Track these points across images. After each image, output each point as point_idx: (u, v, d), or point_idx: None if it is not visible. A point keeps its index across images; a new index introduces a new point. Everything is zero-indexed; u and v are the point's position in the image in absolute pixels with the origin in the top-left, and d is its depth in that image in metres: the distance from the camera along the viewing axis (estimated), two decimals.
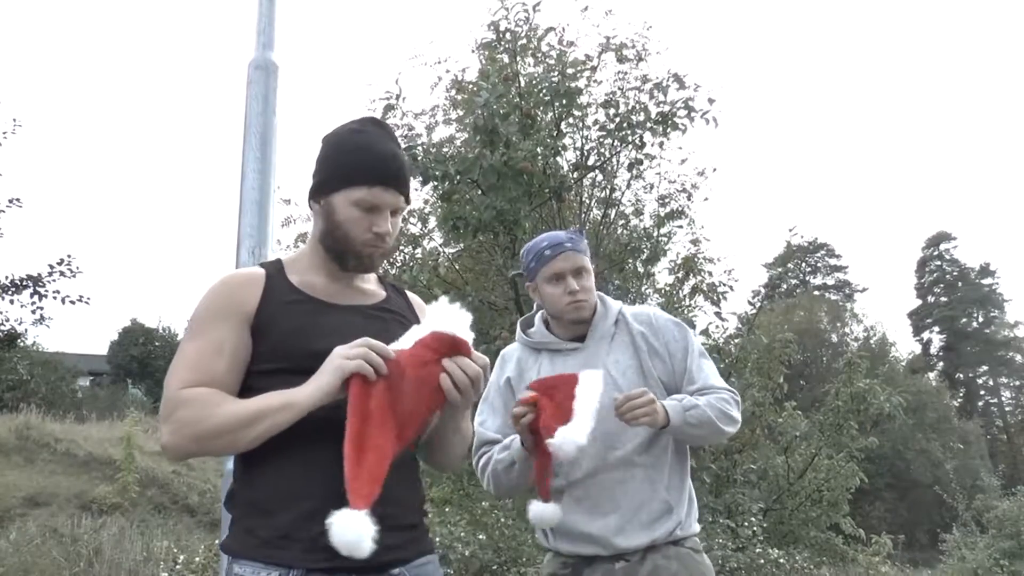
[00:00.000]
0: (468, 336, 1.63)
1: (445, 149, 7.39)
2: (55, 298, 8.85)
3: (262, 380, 1.66)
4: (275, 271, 1.79)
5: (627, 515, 2.24)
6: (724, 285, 8.78)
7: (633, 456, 2.27)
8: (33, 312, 8.89)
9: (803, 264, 46.02)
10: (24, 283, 8.76)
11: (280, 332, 1.68)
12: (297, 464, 1.60)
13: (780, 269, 26.05)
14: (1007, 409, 43.49)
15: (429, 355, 1.59)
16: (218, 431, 1.58)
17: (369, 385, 1.55)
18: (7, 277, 8.78)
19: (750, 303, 10.82)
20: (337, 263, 1.78)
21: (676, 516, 2.29)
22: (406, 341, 1.63)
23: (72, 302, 8.92)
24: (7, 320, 9.08)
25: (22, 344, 9.84)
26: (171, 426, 1.60)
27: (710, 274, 9.21)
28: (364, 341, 1.58)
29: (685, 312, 8.67)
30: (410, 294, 2.00)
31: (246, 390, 1.67)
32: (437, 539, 5.97)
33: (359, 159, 1.74)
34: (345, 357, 1.55)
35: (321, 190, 1.78)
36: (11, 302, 8.85)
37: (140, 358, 29.72)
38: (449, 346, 1.59)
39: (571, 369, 2.32)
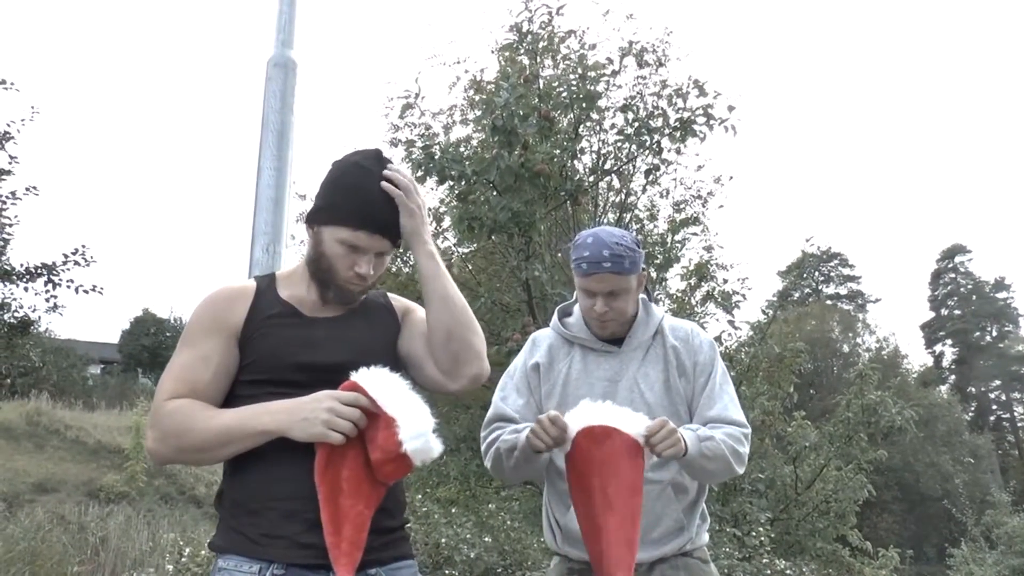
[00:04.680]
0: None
1: (462, 149, 7.37)
2: (69, 287, 8.87)
3: (248, 389, 1.75)
4: (266, 285, 1.88)
5: (639, 531, 2.21)
6: (737, 293, 8.74)
7: (649, 473, 2.24)
8: (47, 300, 8.92)
9: (816, 273, 45.79)
10: (39, 271, 8.79)
11: (264, 346, 1.76)
12: (279, 469, 1.69)
13: (793, 276, 25.94)
14: (1019, 424, 43.18)
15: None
16: (198, 446, 1.69)
17: (340, 453, 1.64)
18: (22, 265, 8.81)
19: (763, 312, 10.76)
20: (319, 289, 1.85)
21: (687, 534, 2.27)
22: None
23: (86, 291, 8.93)
24: (21, 307, 9.11)
25: (35, 331, 9.86)
26: (155, 434, 1.71)
27: (725, 281, 9.17)
28: (356, 399, 1.62)
29: (697, 319, 8.63)
30: (393, 297, 2.03)
31: (233, 398, 1.76)
32: (443, 540, 5.96)
33: (350, 200, 1.79)
34: (328, 424, 1.60)
35: (315, 218, 1.84)
36: (25, 290, 8.88)
37: (151, 348, 29.89)
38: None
39: (603, 371, 2.31)
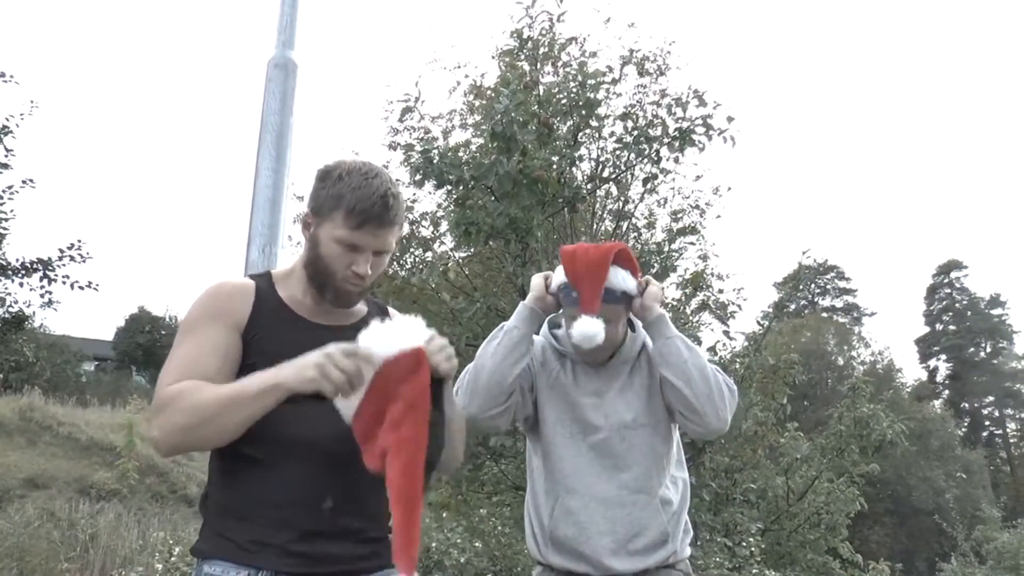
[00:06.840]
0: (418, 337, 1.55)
1: (461, 153, 7.37)
2: (64, 282, 8.86)
3: None
4: (265, 284, 1.82)
5: (623, 539, 2.22)
6: (733, 304, 8.74)
7: (638, 481, 2.25)
8: (42, 296, 8.90)
9: (812, 285, 45.87)
10: (34, 266, 8.77)
11: (265, 349, 1.70)
12: (272, 473, 1.66)
13: (789, 287, 25.99)
14: (1012, 441, 43.24)
15: (399, 384, 1.53)
16: (203, 419, 1.55)
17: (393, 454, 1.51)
18: (18, 259, 8.80)
19: (758, 323, 10.77)
20: (317, 291, 1.80)
21: (672, 546, 2.28)
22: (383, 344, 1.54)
23: (81, 287, 8.92)
24: (16, 302, 9.10)
25: (29, 326, 9.84)
26: (161, 420, 1.60)
27: (721, 291, 9.17)
28: (355, 349, 1.52)
29: (691, 328, 8.63)
30: (392, 311, 2.00)
31: None
32: (433, 544, 5.95)
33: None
34: (320, 368, 1.49)
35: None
36: (20, 285, 8.86)
37: (145, 346, 29.84)
38: (412, 362, 1.53)
39: (592, 384, 2.33)
